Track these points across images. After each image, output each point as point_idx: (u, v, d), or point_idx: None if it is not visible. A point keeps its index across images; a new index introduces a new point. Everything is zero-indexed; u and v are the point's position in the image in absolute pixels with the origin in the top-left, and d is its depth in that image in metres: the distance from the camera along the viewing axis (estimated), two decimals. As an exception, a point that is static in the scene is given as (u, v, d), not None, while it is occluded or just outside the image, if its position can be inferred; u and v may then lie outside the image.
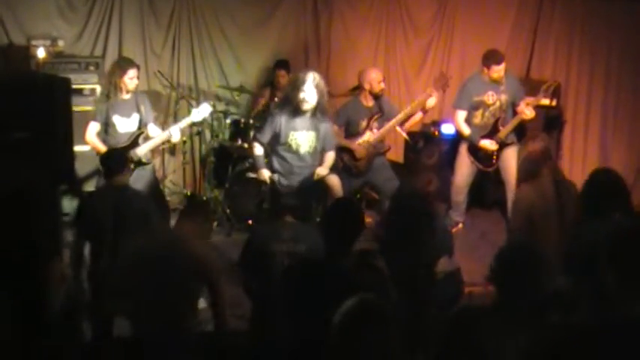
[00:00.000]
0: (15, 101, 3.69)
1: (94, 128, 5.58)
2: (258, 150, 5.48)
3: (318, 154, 5.42)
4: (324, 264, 3.14)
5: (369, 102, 6.04)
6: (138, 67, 5.68)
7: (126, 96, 5.59)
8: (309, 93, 5.16)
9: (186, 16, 7.03)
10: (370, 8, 7.49)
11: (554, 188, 4.15)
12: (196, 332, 3.42)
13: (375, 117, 6.03)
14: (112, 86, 5.51)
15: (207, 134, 6.99)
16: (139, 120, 5.67)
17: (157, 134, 5.69)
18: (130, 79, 5.53)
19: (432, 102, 5.99)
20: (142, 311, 3.04)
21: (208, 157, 6.82)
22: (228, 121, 6.81)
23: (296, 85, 5.20)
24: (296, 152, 5.29)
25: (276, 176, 5.35)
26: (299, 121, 5.25)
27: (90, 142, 5.57)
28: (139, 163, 5.51)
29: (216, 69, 7.23)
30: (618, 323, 2.35)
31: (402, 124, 6.16)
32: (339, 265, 3.08)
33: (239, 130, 6.69)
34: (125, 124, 5.59)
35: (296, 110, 5.21)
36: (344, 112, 6.18)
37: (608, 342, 2.30)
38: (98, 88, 6.26)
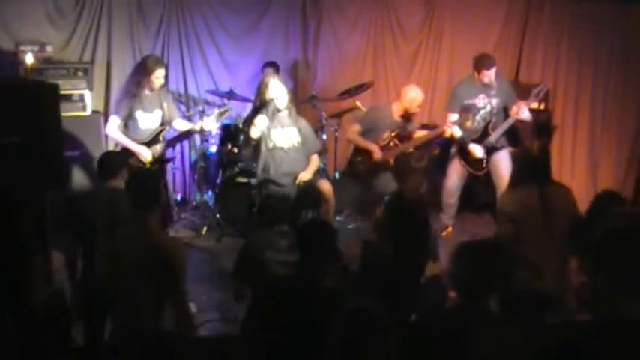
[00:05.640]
0: (3, 107, 3.68)
1: (114, 122, 5.58)
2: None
3: (303, 151, 5.45)
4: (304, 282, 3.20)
5: (398, 117, 6.14)
6: (166, 67, 5.74)
7: (150, 92, 5.60)
8: (278, 88, 5.27)
9: (175, 22, 7.02)
10: (359, 13, 7.50)
11: (540, 195, 4.13)
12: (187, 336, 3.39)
13: (397, 132, 6.12)
14: (134, 84, 5.57)
15: (197, 139, 6.99)
16: (162, 116, 5.68)
17: (184, 127, 5.84)
18: (157, 78, 5.60)
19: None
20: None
21: (198, 162, 6.81)
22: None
23: (263, 87, 5.30)
24: (280, 149, 5.32)
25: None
26: (278, 120, 5.33)
27: (110, 135, 5.58)
28: (162, 160, 5.54)
29: (205, 74, 7.23)
30: (609, 323, 2.35)
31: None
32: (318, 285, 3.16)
33: (229, 135, 6.69)
34: (147, 120, 5.60)
35: (272, 110, 5.27)
36: (372, 115, 6.25)
37: (601, 342, 2.31)
38: (87, 94, 6.25)
